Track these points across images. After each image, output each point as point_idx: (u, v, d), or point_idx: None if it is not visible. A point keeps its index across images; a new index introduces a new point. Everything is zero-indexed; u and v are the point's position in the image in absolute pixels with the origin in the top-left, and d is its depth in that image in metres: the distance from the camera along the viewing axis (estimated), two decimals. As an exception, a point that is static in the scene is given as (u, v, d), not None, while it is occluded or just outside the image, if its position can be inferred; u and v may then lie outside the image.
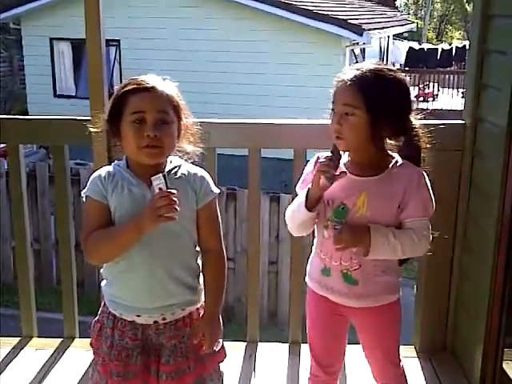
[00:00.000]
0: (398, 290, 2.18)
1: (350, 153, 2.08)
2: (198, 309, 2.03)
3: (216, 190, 2.02)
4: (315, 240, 2.20)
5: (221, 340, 2.06)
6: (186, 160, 2.02)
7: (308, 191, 2.02)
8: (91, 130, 2.06)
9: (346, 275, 2.08)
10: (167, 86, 1.94)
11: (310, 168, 2.16)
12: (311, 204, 2.01)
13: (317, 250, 2.18)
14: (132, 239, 1.85)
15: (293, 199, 2.20)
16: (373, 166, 2.04)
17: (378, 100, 1.96)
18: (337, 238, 1.99)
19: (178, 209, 1.78)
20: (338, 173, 1.96)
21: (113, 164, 2.00)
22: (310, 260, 2.26)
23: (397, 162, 2.06)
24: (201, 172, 2.01)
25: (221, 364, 2.10)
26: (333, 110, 2.04)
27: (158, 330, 1.96)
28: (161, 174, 1.81)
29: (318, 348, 2.28)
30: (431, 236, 2.05)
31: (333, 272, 2.11)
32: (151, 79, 1.93)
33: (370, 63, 2.04)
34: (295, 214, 2.11)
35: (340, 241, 1.98)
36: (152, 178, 1.81)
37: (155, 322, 1.96)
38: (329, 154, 2.03)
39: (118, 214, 1.90)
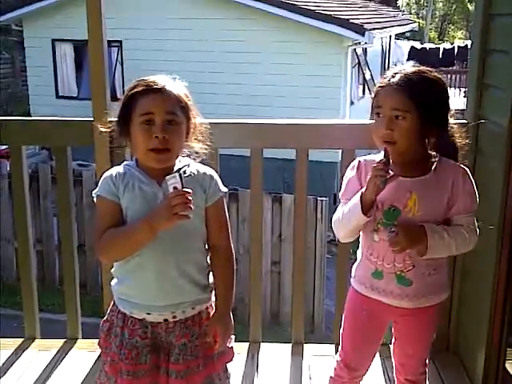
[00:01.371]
0: (448, 288, 2.22)
1: (393, 155, 2.07)
2: (207, 307, 2.04)
3: (224, 189, 2.05)
4: (361, 244, 2.21)
5: (233, 337, 2.08)
6: (194, 159, 2.04)
7: (361, 196, 2.01)
8: (101, 129, 2.07)
9: (399, 277, 2.09)
10: (176, 87, 1.95)
11: (352, 173, 2.16)
12: (366, 208, 2.01)
13: (366, 254, 2.16)
14: (146, 238, 1.85)
15: (335, 206, 2.20)
16: (417, 165, 2.07)
17: (426, 102, 1.99)
18: (394, 241, 1.98)
19: (193, 207, 1.79)
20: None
21: (123, 164, 2.01)
22: (356, 264, 2.26)
23: (439, 160, 2.08)
24: (209, 171, 2.03)
25: (228, 364, 2.11)
26: (377, 114, 2.03)
27: (167, 329, 1.97)
28: (177, 174, 1.81)
29: (351, 351, 2.29)
30: (477, 230, 2.10)
31: (385, 274, 2.11)
32: (161, 80, 1.94)
33: (409, 66, 2.06)
34: (348, 219, 2.09)
35: (397, 243, 1.98)
36: (167, 178, 1.82)
37: (165, 320, 1.97)
38: (367, 157, 2.10)
39: (129, 212, 1.91)
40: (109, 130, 2.03)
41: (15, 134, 3.08)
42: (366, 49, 15.23)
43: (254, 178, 3.06)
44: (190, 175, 1.97)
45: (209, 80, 12.78)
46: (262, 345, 3.21)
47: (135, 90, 1.92)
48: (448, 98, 2.08)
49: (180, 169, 1.96)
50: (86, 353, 3.09)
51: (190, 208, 1.79)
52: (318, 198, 7.45)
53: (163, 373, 1.97)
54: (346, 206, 2.10)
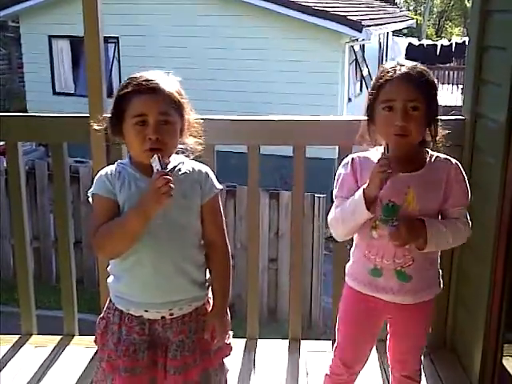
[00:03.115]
0: (441, 281, 2.23)
1: (403, 148, 2.06)
2: (204, 303, 2.05)
3: (219, 186, 2.05)
4: (355, 243, 2.21)
5: (231, 333, 2.09)
6: (187, 156, 2.03)
7: (364, 192, 2.00)
8: (95, 127, 2.06)
9: (399, 272, 2.10)
10: (169, 84, 1.94)
11: (346, 170, 2.15)
12: (370, 204, 2.00)
13: (363, 252, 2.16)
14: (140, 225, 1.84)
15: (331, 204, 2.19)
16: (412, 160, 2.08)
17: (431, 95, 2.03)
18: (395, 235, 1.99)
19: (173, 186, 1.78)
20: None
21: (116, 163, 2.01)
22: (351, 262, 2.25)
23: (431, 154, 2.11)
24: (204, 168, 2.04)
25: (225, 359, 2.12)
26: (388, 108, 2.00)
27: (164, 325, 1.98)
28: (155, 156, 1.82)
29: (346, 347, 2.29)
30: (470, 223, 2.12)
31: (385, 271, 2.11)
32: (153, 77, 1.92)
33: (403, 60, 2.08)
34: (349, 217, 2.08)
35: (398, 238, 1.99)
36: (151, 160, 1.82)
37: (162, 317, 1.97)
38: (360, 154, 2.12)
39: (127, 210, 1.90)
40: (102, 127, 2.02)
41: (11, 130, 3.07)
42: (363, 45, 15.22)
43: (251, 174, 3.06)
44: (186, 173, 1.97)
45: (207, 77, 12.78)
46: (259, 341, 3.21)
47: (127, 90, 1.90)
48: (437, 92, 2.11)
49: (174, 167, 1.95)
50: (82, 349, 3.09)
51: (171, 187, 1.78)
52: (316, 195, 7.45)
53: (161, 368, 1.97)
54: (345, 204, 2.09)
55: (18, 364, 3.01)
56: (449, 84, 19.07)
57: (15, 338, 3.23)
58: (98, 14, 2.85)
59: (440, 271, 2.22)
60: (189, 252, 1.99)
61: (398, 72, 2.00)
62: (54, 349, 3.14)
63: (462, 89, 16.36)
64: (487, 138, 2.75)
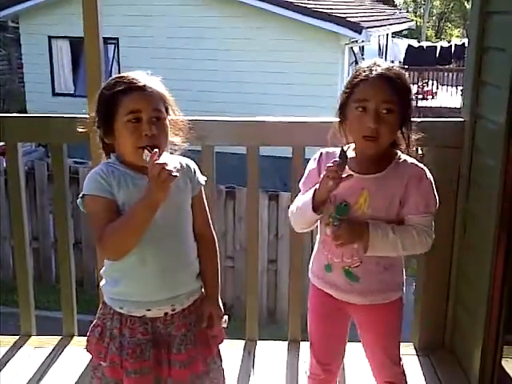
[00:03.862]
0: (402, 288, 2.18)
1: (356, 150, 2.06)
2: (199, 294, 2.08)
3: (204, 178, 2.09)
4: (317, 237, 2.21)
5: (226, 316, 2.12)
6: (171, 153, 2.03)
7: (314, 192, 2.01)
8: (79, 129, 2.06)
9: (347, 272, 2.09)
10: (155, 82, 1.96)
11: (313, 165, 2.16)
12: (317, 205, 2.01)
13: (320, 247, 2.18)
14: (148, 217, 1.82)
15: (295, 196, 2.21)
16: (375, 162, 2.04)
17: (407, 98, 2.00)
18: (335, 235, 1.99)
19: (171, 169, 1.77)
20: (345, 175, 1.93)
21: (102, 163, 1.99)
22: (312, 256, 2.26)
23: (399, 157, 2.06)
24: (190, 163, 2.07)
25: (224, 363, 2.15)
26: (361, 108, 1.97)
27: (166, 322, 1.99)
28: (146, 151, 1.82)
29: (318, 345, 2.29)
30: (433, 233, 2.07)
31: (334, 268, 2.12)
32: (139, 76, 1.94)
33: (379, 61, 2.03)
34: (300, 213, 2.11)
35: (338, 237, 1.99)
36: (143, 158, 1.82)
37: (165, 313, 1.98)
38: (329, 150, 2.10)
39: (127, 208, 1.89)
40: (86, 130, 2.02)
41: (11, 130, 3.07)
42: (363, 47, 15.23)
43: (250, 175, 3.06)
44: (176, 167, 1.94)
45: (206, 78, 12.80)
46: (259, 342, 3.21)
47: (117, 88, 1.90)
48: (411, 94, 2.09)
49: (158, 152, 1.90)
50: (81, 350, 3.04)
51: (169, 172, 1.75)
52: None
53: (165, 365, 1.97)
54: (299, 198, 2.12)
55: (17, 365, 3.01)
56: (448, 86, 19.05)
57: (14, 338, 3.23)
58: (97, 14, 2.85)
59: (404, 277, 2.17)
60: (189, 245, 2.02)
61: (373, 72, 1.96)
62: (53, 349, 3.14)
63: (461, 90, 16.37)
64: (487, 140, 2.75)
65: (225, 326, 2.12)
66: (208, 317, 2.05)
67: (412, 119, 2.05)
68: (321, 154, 2.15)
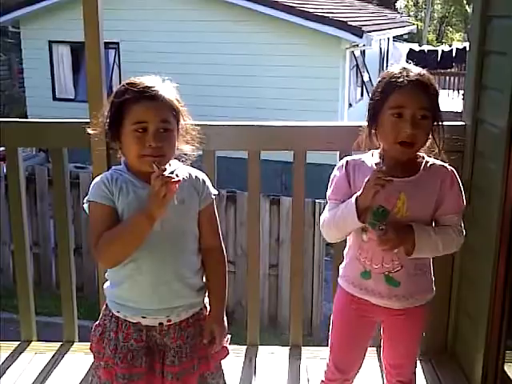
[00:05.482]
0: (433, 288, 2.23)
1: (387, 154, 2.06)
2: (201, 309, 2.05)
3: (215, 192, 2.07)
4: (349, 244, 2.21)
5: (228, 336, 2.09)
6: (183, 162, 2.03)
7: (356, 201, 1.99)
8: (90, 132, 2.05)
9: (388, 277, 2.10)
10: (167, 90, 1.93)
11: (340, 173, 2.15)
12: (361, 213, 1.99)
13: (355, 254, 2.16)
14: (145, 229, 1.83)
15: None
16: (407, 165, 2.06)
17: (438, 101, 2.04)
18: (382, 239, 1.98)
19: (177, 178, 1.78)
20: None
21: (111, 169, 1.99)
22: (344, 263, 2.26)
23: (426, 160, 2.10)
24: (201, 175, 2.04)
25: (224, 364, 2.12)
26: (397, 114, 1.98)
27: (162, 331, 1.97)
28: (153, 164, 1.80)
29: (339, 351, 2.29)
30: (464, 231, 2.12)
31: (374, 274, 2.12)
32: (152, 83, 1.91)
33: (408, 65, 2.05)
34: (340, 223, 2.08)
35: (386, 241, 1.98)
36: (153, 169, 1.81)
37: (160, 323, 1.96)
38: (354, 157, 2.14)
39: (126, 216, 1.89)
40: (96, 132, 2.00)
41: (11, 135, 3.06)
42: (364, 51, 15.24)
43: (251, 180, 3.05)
44: (183, 178, 1.95)
45: (206, 82, 12.81)
46: (260, 348, 3.20)
47: (127, 96, 1.88)
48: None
49: (171, 173, 1.90)
50: (82, 356, 3.08)
51: (171, 181, 1.76)
52: (316, 201, 7.43)
53: (158, 374, 1.97)
54: (338, 209, 2.09)
55: (17, 371, 3.00)
56: (449, 89, 19.08)
57: (15, 344, 3.22)
58: (98, 19, 2.85)
59: (432, 277, 2.21)
60: (187, 258, 1.99)
61: (408, 78, 1.97)
62: (53, 355, 3.13)
63: (462, 94, 16.37)
64: (488, 143, 2.75)
65: (226, 344, 2.08)
66: (209, 334, 2.01)
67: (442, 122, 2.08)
68: (347, 161, 2.14)
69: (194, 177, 2.01)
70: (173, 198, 1.79)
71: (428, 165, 2.09)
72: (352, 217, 2.00)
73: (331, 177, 2.18)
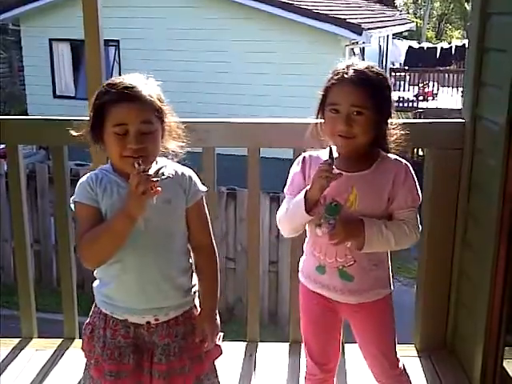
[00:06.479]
0: (390, 284, 2.21)
1: (349, 149, 2.07)
2: (191, 308, 2.04)
3: (203, 188, 2.04)
4: (307, 239, 2.23)
5: (221, 334, 2.08)
6: (171, 159, 2.01)
7: (305, 194, 2.02)
8: (72, 133, 2.02)
9: (341, 271, 2.11)
10: (149, 90, 1.89)
11: (296, 169, 2.17)
12: (310, 207, 2.02)
13: (310, 249, 2.19)
14: (125, 228, 1.81)
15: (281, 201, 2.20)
16: (360, 160, 2.07)
17: (381, 98, 2.01)
18: (331, 234, 2.00)
19: (156, 179, 1.76)
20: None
21: (98, 169, 1.98)
22: (302, 258, 2.29)
23: (381, 155, 2.10)
24: (187, 171, 2.01)
25: (219, 362, 2.10)
26: (334, 110, 2.01)
27: (150, 329, 1.96)
28: (135, 163, 1.77)
29: (312, 346, 2.30)
30: (420, 226, 2.11)
31: (328, 269, 2.13)
32: (133, 83, 1.87)
33: (359, 61, 2.06)
34: (291, 217, 2.11)
35: (335, 236, 2.00)
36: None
37: (147, 322, 1.96)
38: (311, 153, 2.13)
39: (110, 216, 1.88)
40: (79, 133, 1.98)
41: (12, 132, 3.07)
42: (363, 48, 15.23)
43: (251, 177, 3.05)
44: (169, 177, 1.95)
45: (206, 79, 12.79)
46: (260, 344, 3.21)
47: (106, 97, 1.86)
48: (391, 93, 2.10)
49: (157, 171, 1.91)
50: (83, 352, 3.08)
51: (152, 181, 1.74)
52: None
53: (147, 373, 1.96)
54: (290, 203, 2.12)
55: (18, 367, 3.01)
56: (449, 87, 19.06)
57: (16, 341, 3.22)
58: (98, 16, 2.85)
59: (390, 273, 2.21)
60: (174, 258, 1.97)
61: (346, 75, 2.00)
62: (54, 352, 3.14)
63: (461, 91, 16.38)
64: (487, 141, 2.75)
65: (219, 343, 2.06)
66: (201, 332, 1.99)
67: (391, 116, 2.07)
68: (304, 157, 2.17)
69: (180, 174, 1.98)
70: (152, 198, 1.76)
71: (382, 159, 2.09)
72: (301, 210, 2.02)
73: (290, 172, 2.20)
